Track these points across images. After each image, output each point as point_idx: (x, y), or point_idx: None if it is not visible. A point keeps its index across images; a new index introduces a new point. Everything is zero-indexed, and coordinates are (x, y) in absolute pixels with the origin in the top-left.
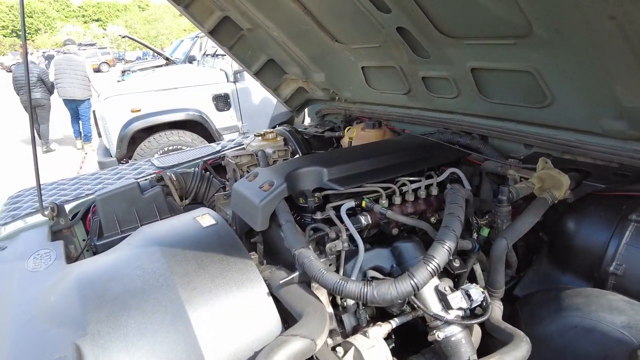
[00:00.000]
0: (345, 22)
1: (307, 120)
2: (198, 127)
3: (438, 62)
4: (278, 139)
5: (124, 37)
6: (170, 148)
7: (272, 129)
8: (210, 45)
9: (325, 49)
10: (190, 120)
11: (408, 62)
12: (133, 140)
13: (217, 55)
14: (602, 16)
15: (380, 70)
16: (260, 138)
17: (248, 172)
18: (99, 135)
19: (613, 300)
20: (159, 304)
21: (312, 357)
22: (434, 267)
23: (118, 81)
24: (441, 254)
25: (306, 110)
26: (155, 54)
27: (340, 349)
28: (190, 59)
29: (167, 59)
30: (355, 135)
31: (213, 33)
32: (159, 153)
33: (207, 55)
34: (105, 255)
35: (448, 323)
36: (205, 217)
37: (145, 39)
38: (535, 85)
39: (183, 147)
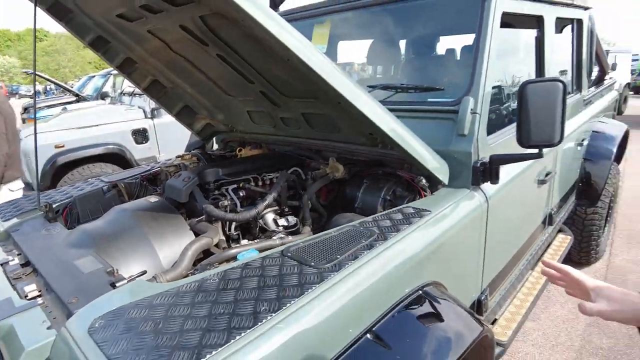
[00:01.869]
0: (233, 86)
1: (215, 147)
2: (118, 159)
3: (286, 109)
4: (193, 158)
5: (30, 73)
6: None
7: (188, 152)
8: (127, 85)
9: (223, 100)
10: (111, 153)
11: (271, 109)
12: (56, 174)
13: (135, 94)
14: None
15: (258, 113)
16: (180, 158)
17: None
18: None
19: (351, 215)
20: (135, 235)
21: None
22: (265, 204)
23: (23, 119)
24: (269, 198)
25: (214, 139)
26: (64, 90)
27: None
28: (103, 95)
29: (77, 95)
30: (244, 154)
31: (146, 90)
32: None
33: (124, 94)
34: (95, 221)
35: (277, 232)
36: (152, 198)
37: (44, 72)
38: (331, 121)
39: None
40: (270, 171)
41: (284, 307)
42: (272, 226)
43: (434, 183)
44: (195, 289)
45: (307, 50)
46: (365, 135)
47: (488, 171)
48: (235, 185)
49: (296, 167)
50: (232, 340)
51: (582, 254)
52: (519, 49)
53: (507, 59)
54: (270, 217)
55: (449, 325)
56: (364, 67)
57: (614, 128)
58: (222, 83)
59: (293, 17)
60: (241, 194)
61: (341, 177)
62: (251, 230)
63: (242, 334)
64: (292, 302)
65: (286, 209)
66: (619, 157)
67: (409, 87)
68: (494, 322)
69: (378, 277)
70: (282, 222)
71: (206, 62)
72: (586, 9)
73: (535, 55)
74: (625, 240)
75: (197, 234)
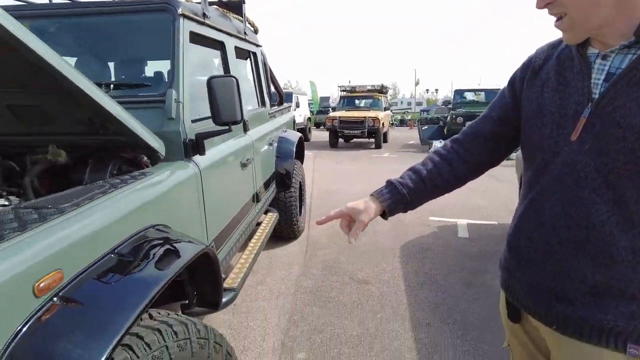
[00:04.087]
0: None
1: None
2: None
3: None
4: None
5: None
6: None
7: None
8: None
9: None
10: None
11: None
12: None
13: None
14: None
15: None
16: None
17: None
18: None
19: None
20: None
21: None
22: None
23: None
24: None
25: None
26: None
27: None
28: None
29: None
30: None
31: None
32: None
33: None
34: None
35: None
36: None
37: None
38: (44, 112)
39: None
40: None
41: (28, 229)
42: None
43: (154, 159)
44: None
45: (19, 29)
46: (84, 123)
47: (195, 146)
48: None
49: (9, 161)
50: None
51: (288, 230)
52: (214, 65)
53: (207, 69)
54: None
55: (176, 246)
56: None
57: (293, 135)
58: None
59: None
60: None
61: (64, 161)
62: None
63: None
64: (33, 226)
65: (4, 193)
66: (300, 156)
67: (121, 84)
68: (224, 279)
69: (115, 213)
70: (2, 202)
71: None
72: (258, 46)
73: (224, 71)
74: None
75: None
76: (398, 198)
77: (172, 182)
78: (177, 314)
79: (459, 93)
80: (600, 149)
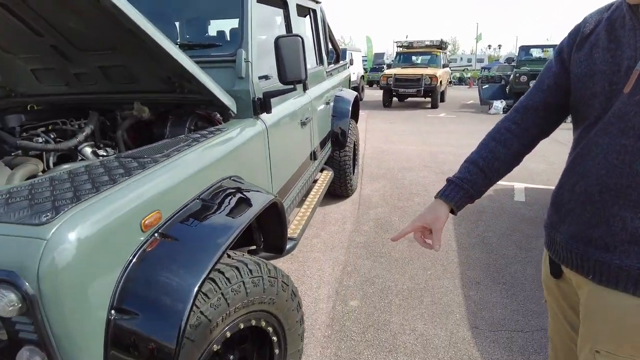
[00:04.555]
0: (13, 42)
1: None
2: None
3: (80, 64)
4: None
5: None
6: None
7: None
8: None
9: None
10: None
11: (62, 65)
12: None
13: None
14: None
15: (46, 71)
16: None
17: None
18: None
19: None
20: None
21: None
22: (84, 134)
23: None
24: (86, 129)
25: None
26: None
27: None
28: None
29: None
30: None
31: None
32: None
33: None
34: None
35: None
36: None
37: None
38: (129, 72)
39: None
40: (77, 118)
41: (133, 174)
42: (92, 157)
43: (226, 116)
44: (49, 179)
45: None
46: (164, 81)
47: (263, 104)
48: (43, 128)
49: (102, 116)
50: (100, 191)
51: (342, 188)
52: (277, 25)
53: (270, 28)
54: (88, 149)
55: (250, 196)
56: None
57: (349, 94)
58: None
59: None
60: (52, 135)
61: (148, 117)
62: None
63: (106, 188)
64: (137, 172)
65: (102, 145)
66: (355, 116)
67: (194, 45)
68: None
69: (199, 164)
70: (101, 152)
71: None
72: (318, 2)
73: (286, 29)
74: (369, 179)
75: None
76: (461, 194)
77: (243, 138)
78: (251, 256)
79: (525, 49)
80: None
